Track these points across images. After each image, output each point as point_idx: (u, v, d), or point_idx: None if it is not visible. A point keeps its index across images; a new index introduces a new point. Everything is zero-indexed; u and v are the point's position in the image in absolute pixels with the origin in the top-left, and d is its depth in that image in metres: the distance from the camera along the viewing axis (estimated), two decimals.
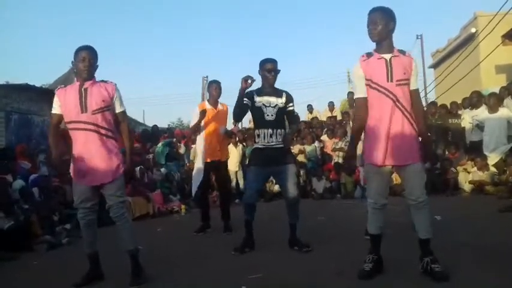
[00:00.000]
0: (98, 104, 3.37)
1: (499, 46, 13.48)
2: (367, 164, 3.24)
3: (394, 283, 3.08)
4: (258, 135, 4.27)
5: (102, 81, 3.50)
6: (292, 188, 4.23)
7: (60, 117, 3.46)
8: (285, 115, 4.33)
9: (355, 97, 3.30)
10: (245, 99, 4.23)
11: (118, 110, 3.52)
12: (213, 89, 5.58)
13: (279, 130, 4.23)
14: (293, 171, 4.32)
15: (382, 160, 3.11)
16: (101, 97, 3.39)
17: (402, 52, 3.15)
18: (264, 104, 4.24)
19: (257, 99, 4.25)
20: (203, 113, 5.37)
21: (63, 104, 3.41)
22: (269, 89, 4.29)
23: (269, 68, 4.24)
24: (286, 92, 4.34)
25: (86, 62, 3.35)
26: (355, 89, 3.29)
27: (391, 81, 3.06)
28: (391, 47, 3.13)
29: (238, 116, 4.38)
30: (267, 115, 4.22)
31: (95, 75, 3.47)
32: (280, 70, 4.31)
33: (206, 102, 5.64)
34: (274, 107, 4.23)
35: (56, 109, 3.47)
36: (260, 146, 4.27)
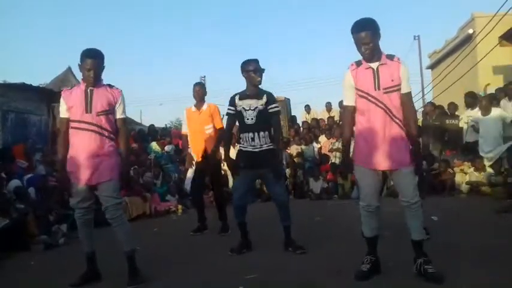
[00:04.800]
0: (103, 106, 3.38)
1: (496, 47, 13.53)
2: (359, 167, 3.25)
3: (391, 284, 3.08)
4: (242, 139, 4.28)
5: (109, 85, 3.50)
6: (279, 191, 4.23)
7: (69, 121, 3.44)
8: (269, 118, 4.20)
9: (343, 104, 3.36)
10: (229, 107, 4.29)
11: (118, 116, 3.51)
12: (195, 91, 5.64)
13: (261, 133, 4.17)
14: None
15: (374, 164, 3.14)
16: (107, 100, 3.41)
17: (390, 57, 3.14)
18: (244, 108, 4.21)
19: (238, 103, 4.25)
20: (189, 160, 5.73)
21: (69, 105, 3.41)
22: (252, 90, 4.24)
23: (253, 68, 4.20)
24: (267, 93, 4.25)
25: (91, 72, 3.35)
26: (344, 96, 3.31)
27: (378, 89, 3.09)
28: (380, 54, 3.13)
29: (228, 131, 4.59)
30: (247, 119, 4.19)
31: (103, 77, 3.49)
32: (264, 69, 4.27)
33: (192, 106, 5.70)
34: (254, 109, 4.17)
35: (63, 113, 3.47)
36: (241, 149, 4.28)
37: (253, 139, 4.17)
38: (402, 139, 3.10)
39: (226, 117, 4.52)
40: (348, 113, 3.32)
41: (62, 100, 3.46)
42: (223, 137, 4.88)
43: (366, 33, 3.05)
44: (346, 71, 3.24)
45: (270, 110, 4.20)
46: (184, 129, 5.85)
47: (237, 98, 4.28)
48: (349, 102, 3.27)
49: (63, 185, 3.75)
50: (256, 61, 4.26)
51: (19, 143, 8.78)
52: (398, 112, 3.10)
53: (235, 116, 4.30)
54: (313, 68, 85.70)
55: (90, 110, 3.36)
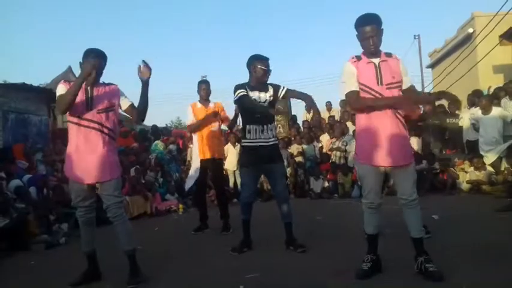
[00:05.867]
0: (103, 104, 3.38)
1: (496, 46, 13.51)
2: (362, 164, 3.25)
3: (392, 282, 3.08)
4: (249, 131, 4.21)
5: (104, 83, 3.50)
6: (281, 188, 4.23)
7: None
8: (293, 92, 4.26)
9: (346, 91, 3.17)
10: (241, 90, 4.15)
11: (127, 104, 3.48)
12: (201, 89, 5.61)
13: (269, 125, 4.20)
14: (283, 170, 4.33)
15: (377, 161, 3.14)
16: (107, 97, 3.41)
17: (389, 55, 3.16)
18: (254, 99, 4.18)
19: (249, 93, 4.19)
20: (215, 114, 5.45)
21: None
22: (257, 83, 4.22)
23: (264, 67, 4.18)
24: (271, 84, 4.26)
25: (94, 72, 3.32)
26: (346, 84, 3.18)
27: (381, 84, 3.09)
28: (379, 51, 3.14)
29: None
30: None
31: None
32: (271, 70, 4.26)
33: (197, 102, 5.66)
34: (264, 102, 4.19)
35: (62, 90, 3.30)
36: (249, 144, 4.22)
37: (262, 131, 4.16)
38: (404, 136, 3.12)
39: (235, 106, 4.40)
40: (355, 96, 3.13)
41: (61, 85, 3.34)
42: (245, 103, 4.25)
43: (372, 27, 3.06)
44: (346, 62, 3.19)
45: (283, 93, 4.21)
46: (190, 121, 5.66)
47: (247, 87, 4.18)
48: (352, 87, 3.13)
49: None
50: (267, 60, 4.24)
51: (19, 143, 8.78)
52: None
53: (249, 96, 4.15)
54: (313, 67, 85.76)
55: (91, 108, 3.35)
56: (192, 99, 6.11)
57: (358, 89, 3.13)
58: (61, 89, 3.34)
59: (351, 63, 3.17)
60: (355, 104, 3.21)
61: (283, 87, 4.26)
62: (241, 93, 4.14)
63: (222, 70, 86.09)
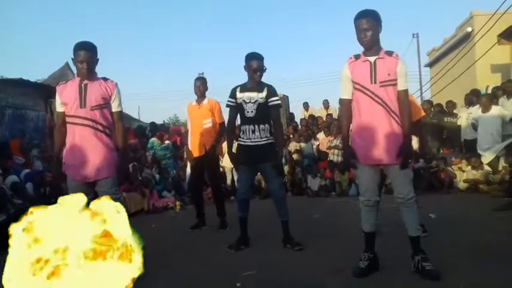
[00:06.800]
0: (97, 101, 3.35)
1: (494, 45, 13.52)
2: (357, 163, 3.24)
3: (389, 280, 3.09)
4: (243, 131, 4.24)
5: (104, 78, 3.47)
6: (277, 186, 4.22)
7: (64, 115, 3.42)
8: (269, 110, 4.23)
9: (340, 97, 3.38)
10: (230, 99, 4.26)
11: (115, 109, 3.49)
12: (196, 86, 5.61)
13: (261, 126, 4.16)
14: (276, 169, 4.26)
15: (371, 160, 3.14)
16: (101, 94, 3.38)
17: (389, 53, 3.14)
18: (244, 100, 4.19)
19: (239, 95, 4.22)
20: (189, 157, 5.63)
21: (63, 100, 3.39)
22: (253, 83, 4.22)
23: (255, 67, 4.16)
24: (268, 86, 4.23)
25: (84, 64, 3.31)
26: (341, 89, 3.30)
27: (375, 83, 3.08)
28: (379, 49, 3.14)
29: (231, 124, 4.47)
30: (247, 111, 4.18)
31: (97, 70, 3.46)
32: (266, 68, 4.25)
33: (193, 101, 5.66)
34: (254, 102, 4.16)
35: (59, 107, 3.46)
36: (242, 143, 4.24)
37: (253, 131, 4.15)
38: (399, 134, 3.10)
39: (228, 109, 4.48)
40: (345, 106, 3.32)
41: (57, 95, 3.45)
42: (226, 130, 4.81)
43: (367, 19, 3.07)
44: (344, 65, 3.24)
45: (270, 103, 4.19)
46: (188, 126, 5.80)
47: (237, 90, 4.25)
48: (345, 95, 3.27)
49: (57, 180, 3.70)
50: (259, 59, 4.22)
51: (16, 139, 8.76)
52: (395, 106, 3.10)
53: (236, 108, 4.27)
54: (311, 65, 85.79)
55: (84, 105, 3.33)
56: (188, 96, 6.14)
57: (349, 97, 3.24)
58: (58, 105, 3.46)
59: (347, 66, 3.21)
60: (342, 113, 3.62)
61: (276, 101, 4.23)
62: (228, 105, 4.32)
63: (221, 69, 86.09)
